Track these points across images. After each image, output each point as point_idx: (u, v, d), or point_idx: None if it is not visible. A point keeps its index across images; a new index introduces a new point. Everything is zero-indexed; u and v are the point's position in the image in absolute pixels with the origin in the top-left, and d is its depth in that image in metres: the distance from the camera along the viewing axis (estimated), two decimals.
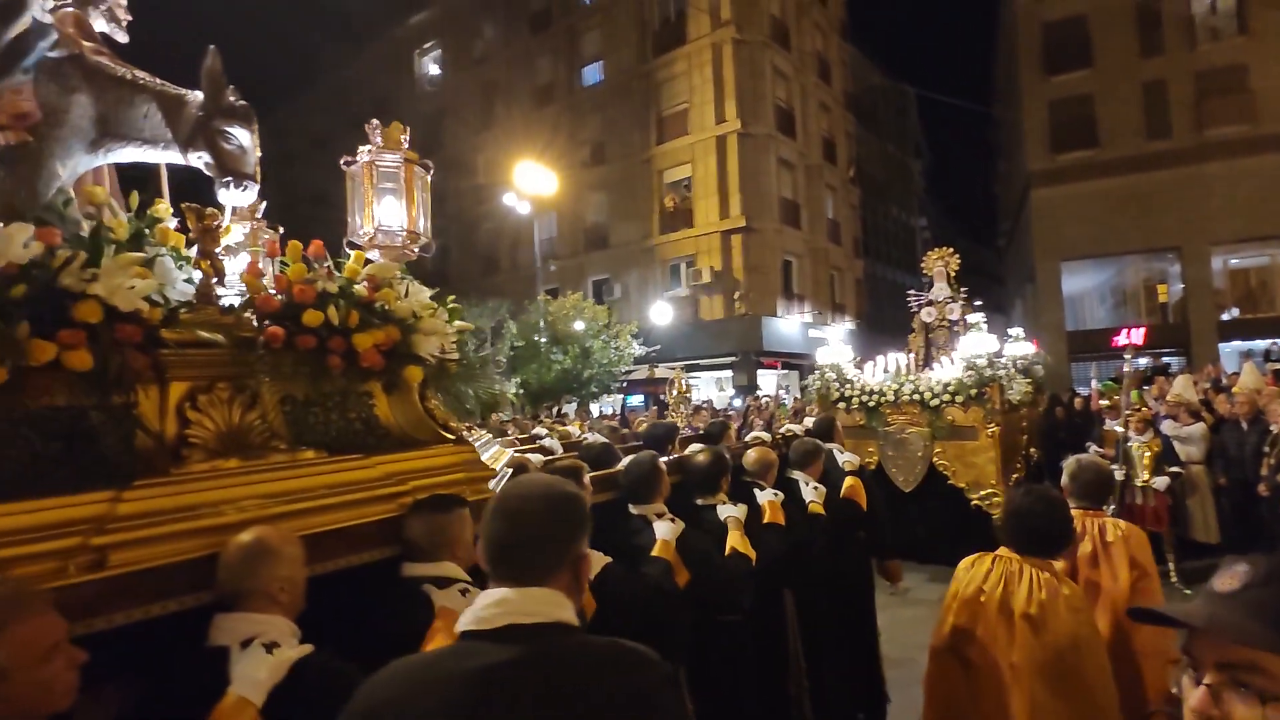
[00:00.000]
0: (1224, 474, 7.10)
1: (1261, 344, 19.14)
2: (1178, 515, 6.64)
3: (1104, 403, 7.84)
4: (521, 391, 16.03)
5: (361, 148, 2.66)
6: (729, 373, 21.03)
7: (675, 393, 9.06)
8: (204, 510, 1.72)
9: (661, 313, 20.92)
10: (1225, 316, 20.89)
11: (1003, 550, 2.29)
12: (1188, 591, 6.14)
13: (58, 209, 1.96)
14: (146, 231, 1.95)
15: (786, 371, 21.95)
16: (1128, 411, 6.25)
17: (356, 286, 2.23)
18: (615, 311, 19.17)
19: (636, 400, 20.02)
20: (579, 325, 16.57)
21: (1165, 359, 17.99)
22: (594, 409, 18.11)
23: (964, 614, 2.26)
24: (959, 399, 7.01)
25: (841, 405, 7.68)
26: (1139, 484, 6.23)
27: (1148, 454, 6.12)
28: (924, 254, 9.30)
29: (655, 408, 15.25)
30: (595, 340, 16.66)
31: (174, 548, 1.64)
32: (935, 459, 7.19)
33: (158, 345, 1.80)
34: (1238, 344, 20.23)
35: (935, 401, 7.11)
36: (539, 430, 6.46)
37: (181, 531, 1.67)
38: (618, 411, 17.08)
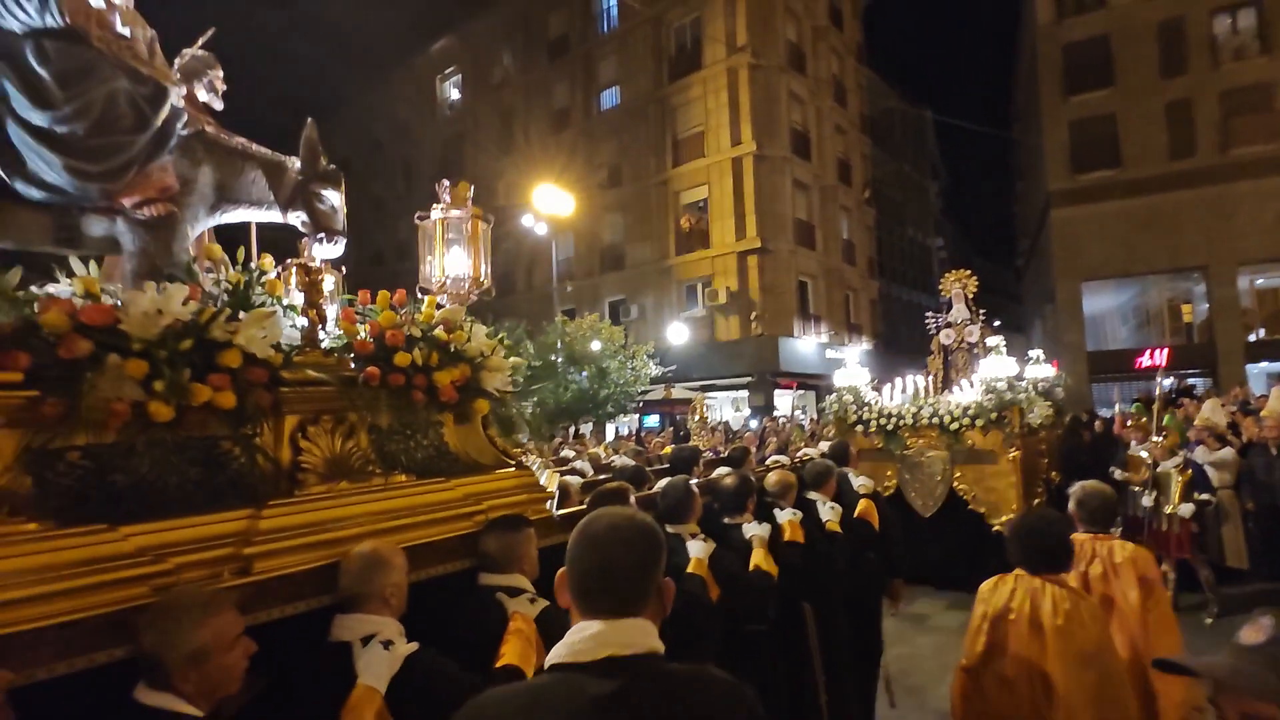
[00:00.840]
0: (1251, 499, 6.91)
1: None
2: (1207, 543, 6.45)
3: (1130, 425, 7.67)
4: (538, 411, 16.03)
5: (435, 206, 3.03)
6: (745, 393, 20.93)
7: (696, 417, 9.13)
8: (326, 526, 2.04)
9: (678, 333, 20.93)
10: (1252, 337, 20.46)
11: (1020, 571, 2.43)
12: (1208, 621, 5.96)
13: (189, 268, 2.28)
14: (259, 285, 2.24)
15: (803, 392, 21.83)
16: (1157, 439, 6.12)
17: (436, 330, 2.55)
18: (632, 332, 19.20)
19: (652, 421, 19.96)
20: (595, 345, 16.60)
21: (1190, 380, 17.61)
22: (609, 430, 18.07)
23: (995, 632, 2.39)
24: (979, 422, 6.91)
25: (859, 428, 7.60)
26: (1167, 511, 6.07)
27: (1179, 480, 5.97)
28: (940, 274, 9.24)
29: (671, 428, 15.18)
30: (612, 360, 16.68)
31: (303, 558, 1.95)
32: (955, 483, 7.08)
33: (278, 384, 2.09)
34: (1266, 365, 19.80)
35: (954, 425, 7.02)
36: (568, 452, 6.51)
37: (309, 544, 1.98)
38: (633, 432, 17.03)
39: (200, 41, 2.56)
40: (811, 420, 14.59)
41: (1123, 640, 2.59)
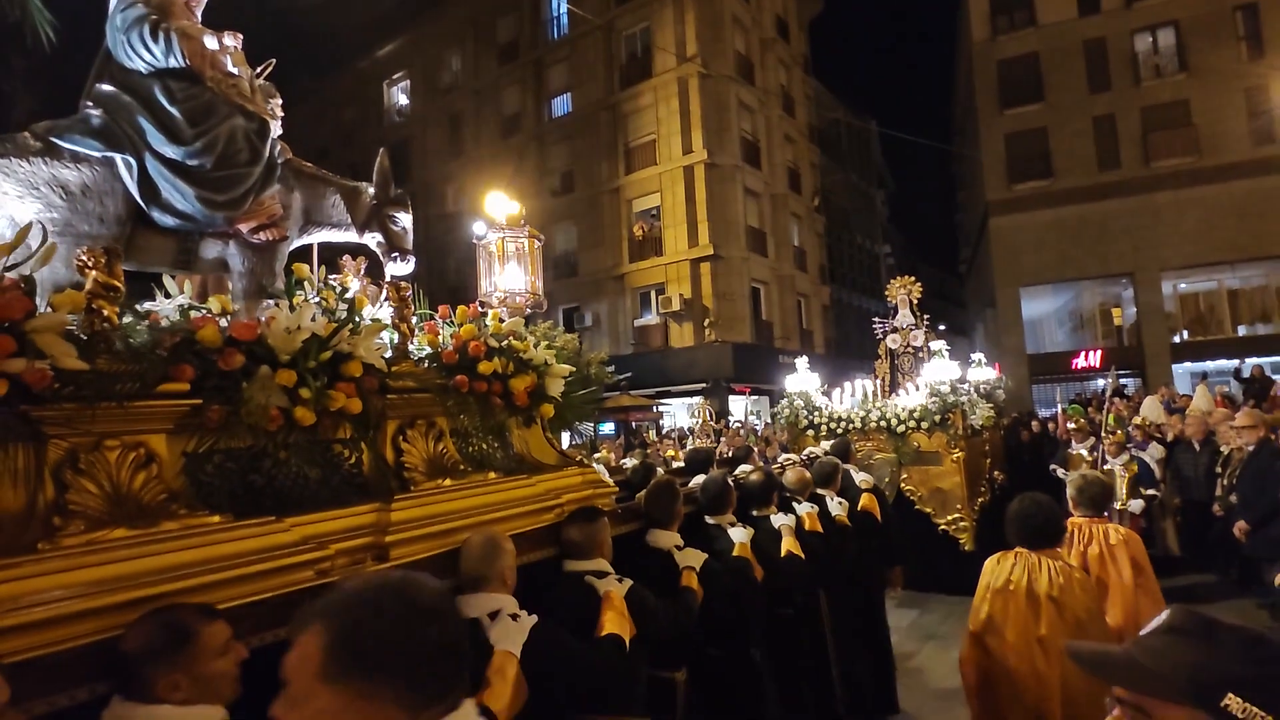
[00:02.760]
0: (1178, 494, 7.24)
1: (1212, 365, 19.79)
2: (1151, 537, 6.72)
3: (1071, 426, 7.95)
4: None
5: (480, 233, 3.56)
6: (700, 399, 21.03)
7: (701, 421, 9.63)
8: (441, 518, 2.31)
9: (632, 340, 20.88)
10: (1176, 339, 21.56)
11: (1020, 549, 2.75)
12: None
13: (290, 287, 2.50)
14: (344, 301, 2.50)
15: (756, 398, 22.05)
16: (1107, 438, 6.34)
17: (511, 340, 2.86)
18: (586, 340, 19.07)
19: (607, 428, 19.87)
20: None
21: (1121, 380, 18.45)
22: (565, 437, 17.87)
23: (997, 602, 2.70)
24: (924, 425, 7.06)
25: (810, 432, 7.68)
26: (1117, 508, 6.30)
27: (1125, 477, 6.19)
28: (888, 280, 9.44)
29: (624, 436, 15.12)
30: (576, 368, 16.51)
31: (426, 545, 2.22)
32: (902, 484, 7.21)
33: (385, 392, 2.34)
34: (1189, 365, 20.87)
35: (901, 428, 7.15)
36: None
37: (431, 533, 2.25)
38: (588, 440, 16.89)
39: (263, 72, 2.65)
40: (765, 425, 14.73)
41: (1117, 613, 2.90)
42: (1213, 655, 0.89)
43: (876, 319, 9.12)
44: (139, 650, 1.39)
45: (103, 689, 1.41)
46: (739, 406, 21.44)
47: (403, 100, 29.96)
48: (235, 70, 2.46)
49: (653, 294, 21.70)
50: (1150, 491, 6.27)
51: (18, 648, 1.37)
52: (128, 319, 1.92)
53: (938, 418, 6.97)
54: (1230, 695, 0.86)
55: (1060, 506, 3.01)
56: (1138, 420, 8.11)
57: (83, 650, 1.43)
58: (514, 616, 2.03)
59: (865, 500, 4.57)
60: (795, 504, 3.88)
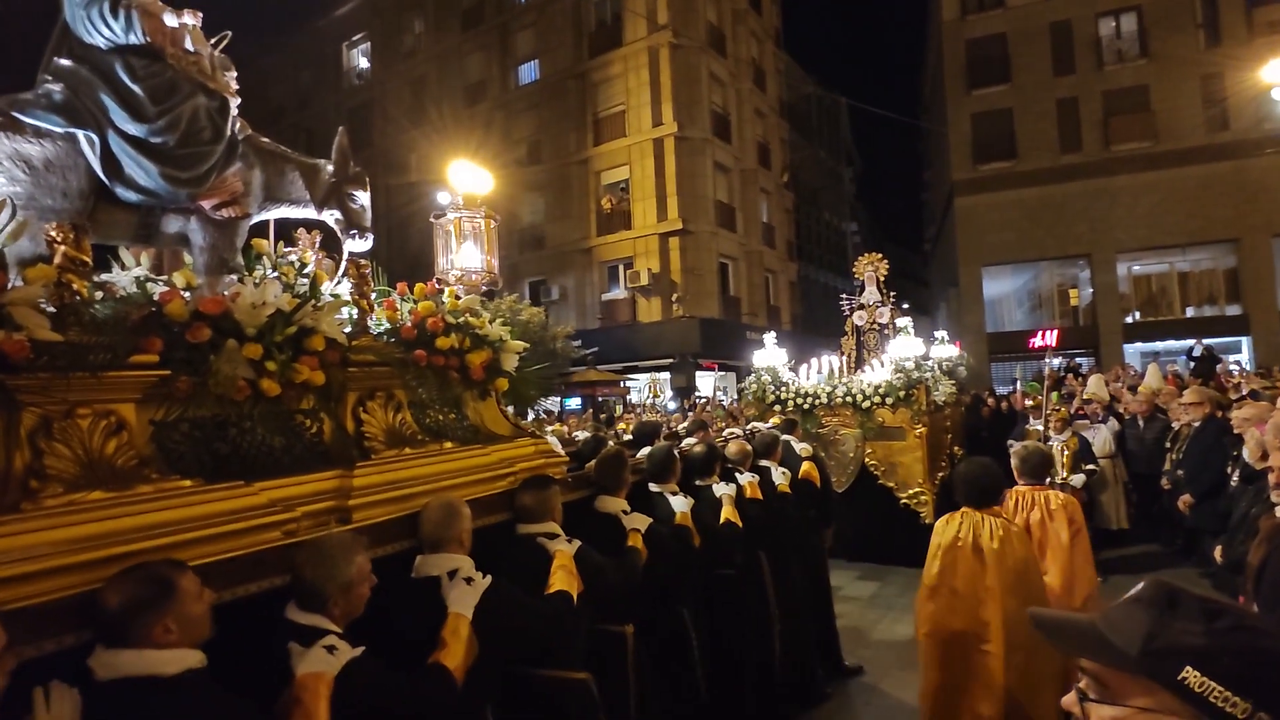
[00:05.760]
0: (1128, 468, 7.49)
1: (1162, 345, 20.49)
2: (1092, 511, 6.94)
3: (1029, 403, 8.13)
4: None
5: (444, 205, 3.68)
6: (667, 375, 21.04)
7: (652, 396, 9.86)
8: (400, 484, 2.43)
9: (599, 315, 20.73)
10: (1129, 319, 22.26)
11: (965, 509, 3.05)
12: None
13: (250, 262, 2.60)
14: (303, 276, 2.60)
15: (724, 373, 22.16)
16: (1048, 412, 6.47)
17: (468, 317, 2.98)
18: (553, 313, 18.87)
19: (574, 403, 19.78)
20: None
21: (1077, 359, 18.99)
22: (529, 413, 17.75)
23: (947, 557, 2.99)
24: (889, 400, 7.14)
25: (777, 407, 7.72)
26: (1058, 481, 6.46)
27: (1066, 452, 6.35)
28: (855, 258, 9.48)
29: (591, 409, 15.06)
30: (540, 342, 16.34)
31: (386, 510, 2.35)
32: (866, 459, 7.31)
33: (346, 365, 2.45)
34: (1140, 345, 21.60)
35: (866, 403, 7.23)
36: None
37: (390, 499, 2.38)
38: (555, 413, 16.80)
39: (219, 44, 2.60)
40: (732, 402, 14.81)
41: (1056, 571, 3.25)
42: (1171, 625, 0.83)
43: (844, 295, 9.18)
44: (127, 603, 1.52)
45: (89, 636, 1.54)
46: (706, 382, 21.54)
47: (362, 63, 28.94)
48: (194, 48, 2.45)
49: (621, 268, 21.54)
50: (1090, 466, 6.46)
51: (8, 598, 1.51)
52: (92, 291, 1.98)
53: (902, 393, 7.05)
54: (1188, 668, 0.79)
55: (1009, 478, 3.30)
56: (1087, 394, 8.33)
57: (69, 601, 1.57)
58: (468, 580, 2.18)
59: (806, 468, 4.84)
60: (738, 474, 4.09)
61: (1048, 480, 3.80)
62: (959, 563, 2.94)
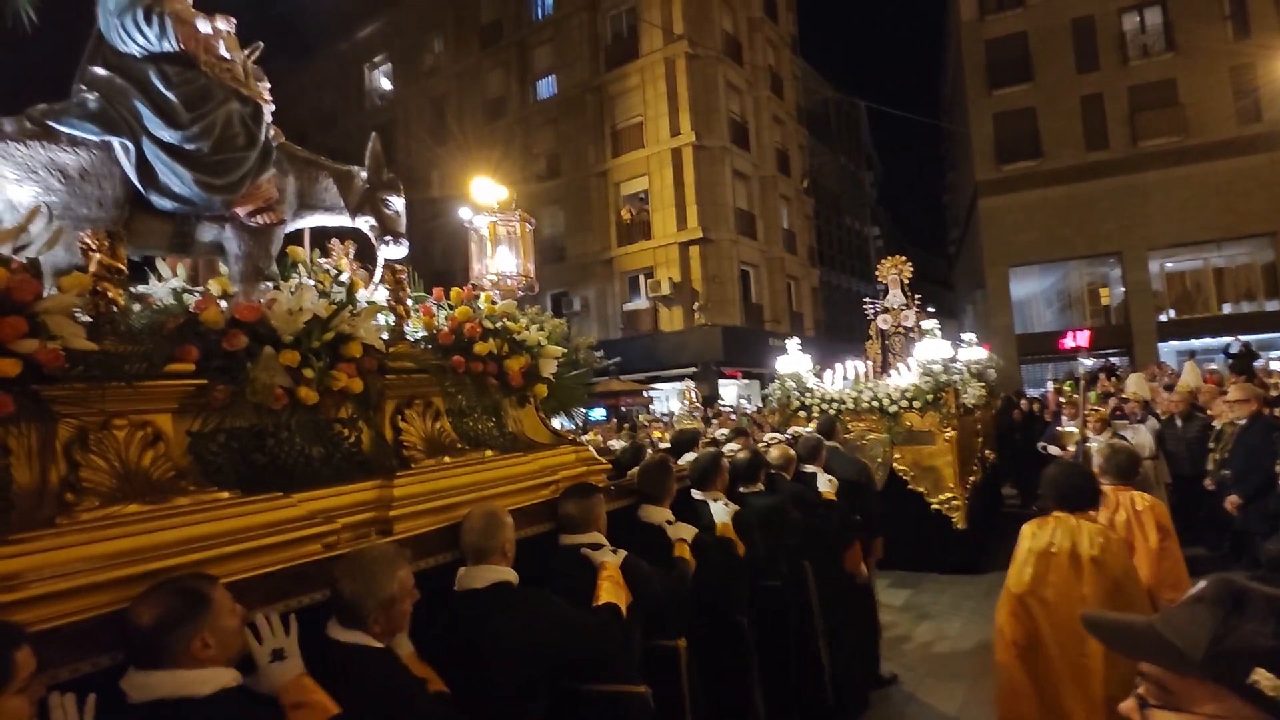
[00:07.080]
0: (1168, 469, 7.26)
1: (1198, 343, 19.93)
2: None
3: (1063, 400, 7.94)
4: None
5: (480, 210, 3.59)
6: (691, 384, 20.96)
7: (688, 404, 10.77)
8: (441, 494, 2.37)
9: (621, 325, 20.76)
10: (1163, 318, 21.72)
11: (1058, 514, 2.82)
12: None
13: (286, 270, 2.56)
14: (338, 284, 2.54)
15: (748, 381, 22.03)
16: (1086, 411, 6.31)
17: (505, 322, 2.91)
18: (575, 325, 18.91)
19: (598, 414, 19.79)
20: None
21: (1112, 359, 18.56)
22: (556, 423, 17.77)
23: (1040, 564, 2.78)
24: (916, 404, 7.02)
25: (802, 414, 7.63)
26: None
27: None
28: (877, 262, 9.38)
29: (615, 421, 15.05)
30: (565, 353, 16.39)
31: (428, 520, 2.28)
32: (895, 464, 7.18)
33: (384, 372, 2.40)
34: (1175, 344, 21.04)
35: (893, 408, 7.11)
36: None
37: (432, 509, 2.31)
38: (580, 425, 16.82)
39: (252, 54, 2.62)
40: (757, 409, 14.70)
41: (1143, 575, 3.01)
42: (1240, 627, 0.78)
43: (867, 300, 9.08)
44: (161, 620, 1.45)
45: (123, 657, 1.48)
46: (730, 391, 21.42)
47: (384, 84, 29.49)
48: (228, 55, 2.46)
49: (641, 278, 21.58)
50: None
51: (42, 617, 1.43)
52: (129, 302, 1.97)
53: (930, 397, 6.93)
54: (1259, 670, 0.75)
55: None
56: (1127, 394, 8.11)
57: (104, 619, 1.49)
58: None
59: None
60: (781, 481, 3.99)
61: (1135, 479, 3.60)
62: (1051, 570, 2.77)
